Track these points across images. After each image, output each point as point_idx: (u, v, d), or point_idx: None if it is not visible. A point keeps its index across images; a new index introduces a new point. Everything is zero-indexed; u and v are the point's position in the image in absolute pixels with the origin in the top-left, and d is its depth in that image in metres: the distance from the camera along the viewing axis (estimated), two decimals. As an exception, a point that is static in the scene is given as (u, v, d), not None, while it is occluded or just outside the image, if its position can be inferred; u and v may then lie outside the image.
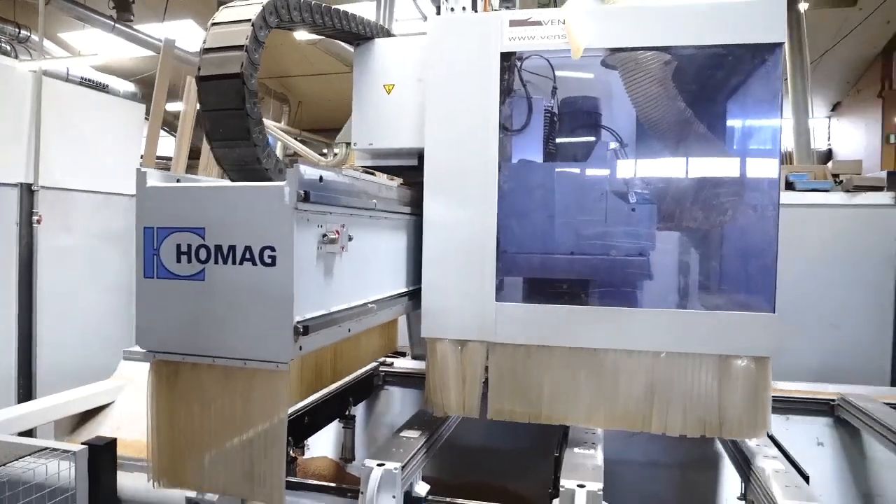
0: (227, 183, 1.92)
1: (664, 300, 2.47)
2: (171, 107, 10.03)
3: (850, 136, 13.19)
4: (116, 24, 9.72)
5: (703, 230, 2.38)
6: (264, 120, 8.23)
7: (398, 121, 2.67)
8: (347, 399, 3.16)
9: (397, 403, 3.66)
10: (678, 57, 2.36)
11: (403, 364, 3.76)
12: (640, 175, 2.49)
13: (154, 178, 1.89)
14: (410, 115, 2.64)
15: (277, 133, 11.75)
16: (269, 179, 2.05)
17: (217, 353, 1.84)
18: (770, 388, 2.28)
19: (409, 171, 2.81)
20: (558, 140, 2.53)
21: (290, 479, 2.54)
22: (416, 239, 2.63)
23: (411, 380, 3.68)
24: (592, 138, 2.51)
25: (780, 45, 2.21)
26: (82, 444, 2.43)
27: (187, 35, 10.87)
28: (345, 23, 2.45)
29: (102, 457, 2.44)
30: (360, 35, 2.60)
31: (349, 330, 2.12)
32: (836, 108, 14.00)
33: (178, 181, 1.96)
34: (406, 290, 2.59)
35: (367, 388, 3.52)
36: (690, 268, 2.45)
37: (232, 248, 1.80)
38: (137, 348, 4.21)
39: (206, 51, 1.95)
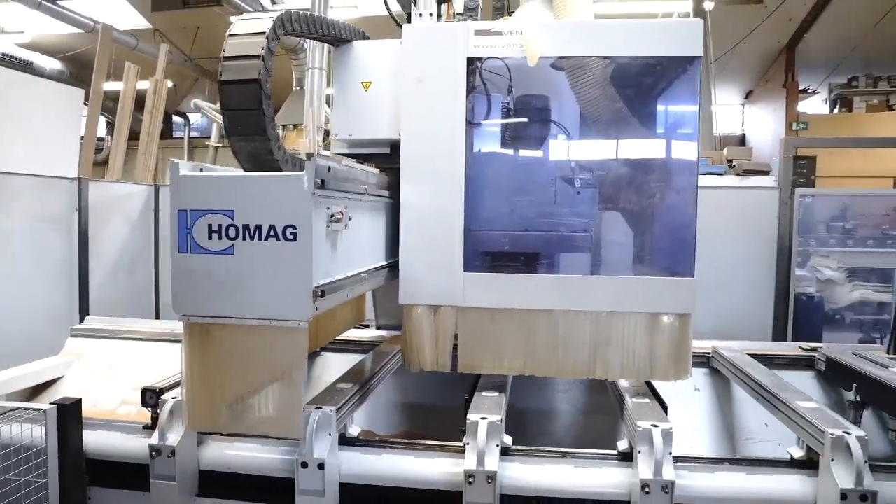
0: (253, 173, 2.30)
1: (605, 268, 2.97)
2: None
3: (762, 122, 14.30)
4: (43, 1, 9.60)
5: (636, 209, 2.89)
6: (201, 101, 8.62)
7: (375, 114, 3.07)
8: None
9: (333, 367, 3.95)
10: (617, 64, 2.85)
11: None
12: (583, 162, 2.97)
13: (185, 168, 2.25)
14: (386, 109, 3.05)
15: (213, 115, 11.83)
16: (279, 169, 2.43)
17: (245, 314, 2.23)
18: (690, 339, 2.82)
19: (380, 157, 3.22)
20: (515, 132, 2.99)
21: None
22: (392, 219, 3.05)
23: (345, 346, 4.05)
24: (543, 130, 2.97)
25: (698, 57, 2.73)
26: (50, 403, 2.68)
27: (117, 12, 10.80)
28: (332, 30, 2.83)
29: (70, 415, 2.68)
30: (342, 38, 2.99)
31: (347, 295, 2.53)
32: (749, 95, 15.12)
33: (201, 170, 2.32)
34: (385, 263, 3.02)
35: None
36: (626, 241, 2.95)
37: (258, 227, 2.18)
38: (84, 325, 4.47)
39: (227, 58, 2.31)
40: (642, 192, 2.87)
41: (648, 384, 3.02)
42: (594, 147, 2.99)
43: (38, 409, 2.64)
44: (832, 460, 2.34)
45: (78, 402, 2.73)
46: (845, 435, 2.34)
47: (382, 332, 4.00)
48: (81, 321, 4.72)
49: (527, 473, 2.54)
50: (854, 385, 3.23)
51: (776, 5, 12.19)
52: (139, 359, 4.04)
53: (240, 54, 2.30)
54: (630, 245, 2.94)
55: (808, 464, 2.52)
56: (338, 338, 4.04)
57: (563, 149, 2.96)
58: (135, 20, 10.85)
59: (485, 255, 2.93)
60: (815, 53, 13.28)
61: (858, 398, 3.25)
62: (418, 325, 2.92)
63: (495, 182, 2.98)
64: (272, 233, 2.18)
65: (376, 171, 2.97)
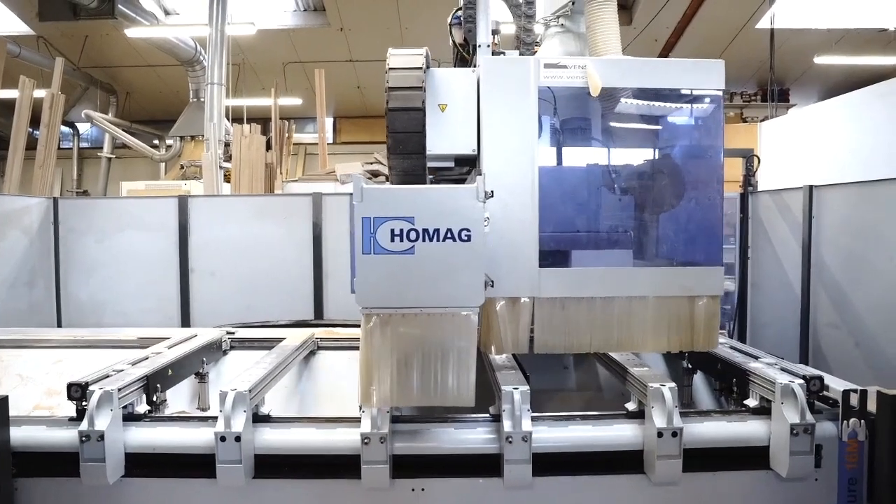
0: (432, 186, 2.84)
1: (652, 260, 3.72)
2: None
3: (641, 132, 16.02)
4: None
5: (675, 212, 3.68)
6: (93, 112, 9.06)
7: (449, 132, 3.63)
8: (201, 359, 4.11)
9: (242, 364, 4.29)
10: (659, 93, 3.61)
11: (244, 333, 4.75)
12: (635, 174, 3.71)
13: (362, 182, 2.75)
14: (458, 128, 3.63)
15: (106, 125, 11.59)
16: (424, 181, 2.98)
17: (423, 304, 2.76)
18: (718, 316, 3.64)
19: (444, 170, 3.80)
20: (576, 149, 3.69)
21: (159, 415, 3.43)
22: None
23: (252, 344, 4.66)
24: (600, 147, 3.70)
25: (721, 89, 3.56)
26: None
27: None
28: (429, 60, 3.40)
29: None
30: (429, 66, 3.55)
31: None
32: (628, 107, 16.87)
33: (364, 184, 2.82)
34: (470, 262, 3.60)
35: (215, 352, 4.45)
36: (669, 237, 3.73)
37: (437, 231, 2.73)
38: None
39: (392, 89, 2.84)
40: (681, 198, 3.66)
41: (516, 359, 3.79)
42: (643, 160, 3.75)
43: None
44: (653, 407, 3.19)
45: (5, 399, 3.00)
46: (661, 387, 3.21)
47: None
48: (-17, 335, 4.84)
49: (414, 435, 3.17)
50: (686, 355, 4.21)
51: (643, 27, 13.95)
52: (48, 366, 4.30)
53: (403, 85, 2.85)
54: (672, 241, 3.72)
55: (639, 414, 3.35)
56: (244, 338, 4.74)
57: (618, 161, 3.70)
58: (15, 26, 10.41)
59: (555, 254, 3.59)
60: (681, 70, 15.17)
61: (689, 365, 4.25)
62: (501, 315, 3.51)
63: (561, 192, 3.65)
64: (449, 235, 2.73)
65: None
